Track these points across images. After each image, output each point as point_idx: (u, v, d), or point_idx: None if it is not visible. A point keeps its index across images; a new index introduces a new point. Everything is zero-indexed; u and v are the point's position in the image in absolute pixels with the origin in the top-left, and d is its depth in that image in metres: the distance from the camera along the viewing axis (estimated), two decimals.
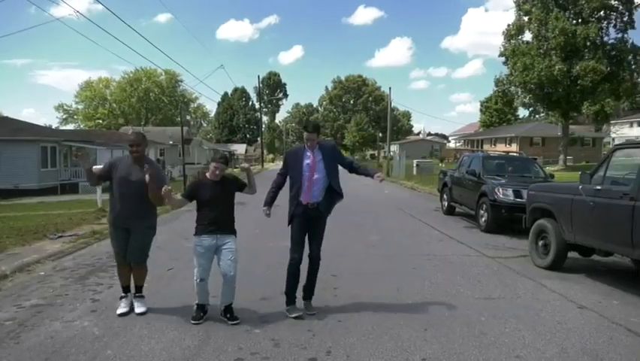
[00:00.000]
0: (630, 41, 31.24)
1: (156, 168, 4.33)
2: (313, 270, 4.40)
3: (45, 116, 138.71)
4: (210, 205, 4.11)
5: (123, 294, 4.39)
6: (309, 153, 4.30)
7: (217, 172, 4.13)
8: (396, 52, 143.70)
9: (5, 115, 44.02)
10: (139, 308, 4.29)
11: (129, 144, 4.22)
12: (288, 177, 4.41)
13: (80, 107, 69.88)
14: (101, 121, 67.05)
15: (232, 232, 4.21)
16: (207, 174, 4.22)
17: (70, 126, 66.50)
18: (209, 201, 4.11)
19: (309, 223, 4.29)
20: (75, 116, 70.22)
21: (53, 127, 54.27)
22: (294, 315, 4.21)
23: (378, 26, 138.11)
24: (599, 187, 5.38)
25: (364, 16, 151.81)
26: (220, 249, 4.11)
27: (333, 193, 4.37)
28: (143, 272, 4.44)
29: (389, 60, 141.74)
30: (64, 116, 69.73)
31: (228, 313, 4.11)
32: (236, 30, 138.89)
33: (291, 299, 4.33)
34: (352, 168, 4.59)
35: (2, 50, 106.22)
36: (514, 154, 16.33)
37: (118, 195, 4.19)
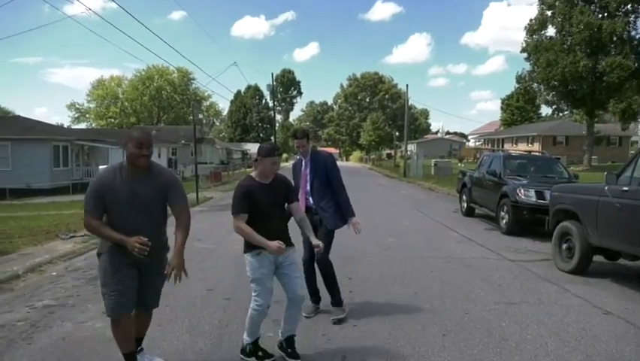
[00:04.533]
0: None
1: (171, 178, 3.03)
2: (322, 273, 4.38)
3: (57, 115, 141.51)
4: (264, 215, 3.28)
5: None
6: (304, 163, 4.33)
7: (275, 168, 3.33)
8: (414, 48, 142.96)
9: (17, 114, 45.17)
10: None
11: (136, 145, 2.80)
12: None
13: (91, 105, 69.79)
14: (113, 120, 66.94)
15: (292, 243, 3.43)
16: (254, 175, 3.37)
17: (82, 125, 66.55)
18: (263, 209, 3.28)
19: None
20: (87, 115, 70.21)
21: (65, 126, 54.86)
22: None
23: (396, 22, 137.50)
24: (625, 188, 5.17)
25: (382, 11, 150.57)
26: (282, 265, 3.33)
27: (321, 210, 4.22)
28: (150, 318, 3.30)
29: (407, 57, 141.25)
30: (76, 115, 69.85)
31: (290, 347, 3.39)
32: (251, 26, 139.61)
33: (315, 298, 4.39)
34: (337, 191, 4.28)
35: (14, 49, 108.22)
36: (537, 154, 15.93)
37: (126, 225, 2.82)
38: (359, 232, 4.28)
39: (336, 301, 4.28)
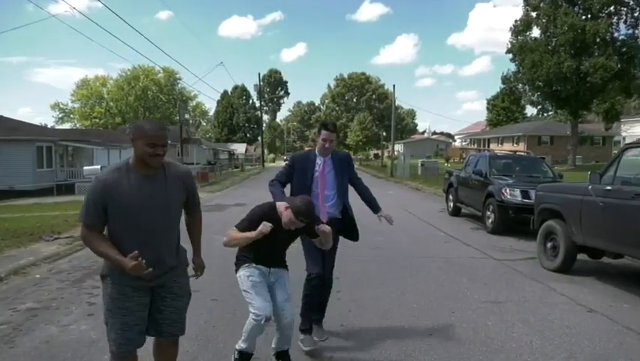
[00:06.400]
0: None
1: (187, 172, 2.64)
2: (327, 290, 3.86)
3: (41, 115, 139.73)
4: (269, 242, 3.09)
5: None
6: (319, 162, 3.67)
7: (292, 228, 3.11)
8: (401, 49, 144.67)
9: (0, 114, 44.20)
10: None
11: (148, 144, 2.27)
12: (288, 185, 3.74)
13: (76, 105, 68.41)
14: (97, 120, 65.83)
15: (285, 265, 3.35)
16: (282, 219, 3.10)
17: (67, 125, 64.98)
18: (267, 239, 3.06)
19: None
20: (71, 115, 68.84)
21: (49, 126, 53.60)
22: (308, 348, 3.52)
23: (383, 23, 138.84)
24: (609, 187, 5.25)
25: (369, 12, 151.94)
26: (272, 286, 3.19)
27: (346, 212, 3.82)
28: (175, 351, 2.70)
29: (394, 57, 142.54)
30: (60, 115, 68.44)
31: (281, 358, 3.32)
32: (238, 26, 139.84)
33: (307, 324, 3.64)
34: (358, 188, 3.96)
35: None
36: (522, 153, 16.12)
37: (138, 234, 2.34)
38: (392, 223, 4.08)
39: (320, 318, 3.86)
